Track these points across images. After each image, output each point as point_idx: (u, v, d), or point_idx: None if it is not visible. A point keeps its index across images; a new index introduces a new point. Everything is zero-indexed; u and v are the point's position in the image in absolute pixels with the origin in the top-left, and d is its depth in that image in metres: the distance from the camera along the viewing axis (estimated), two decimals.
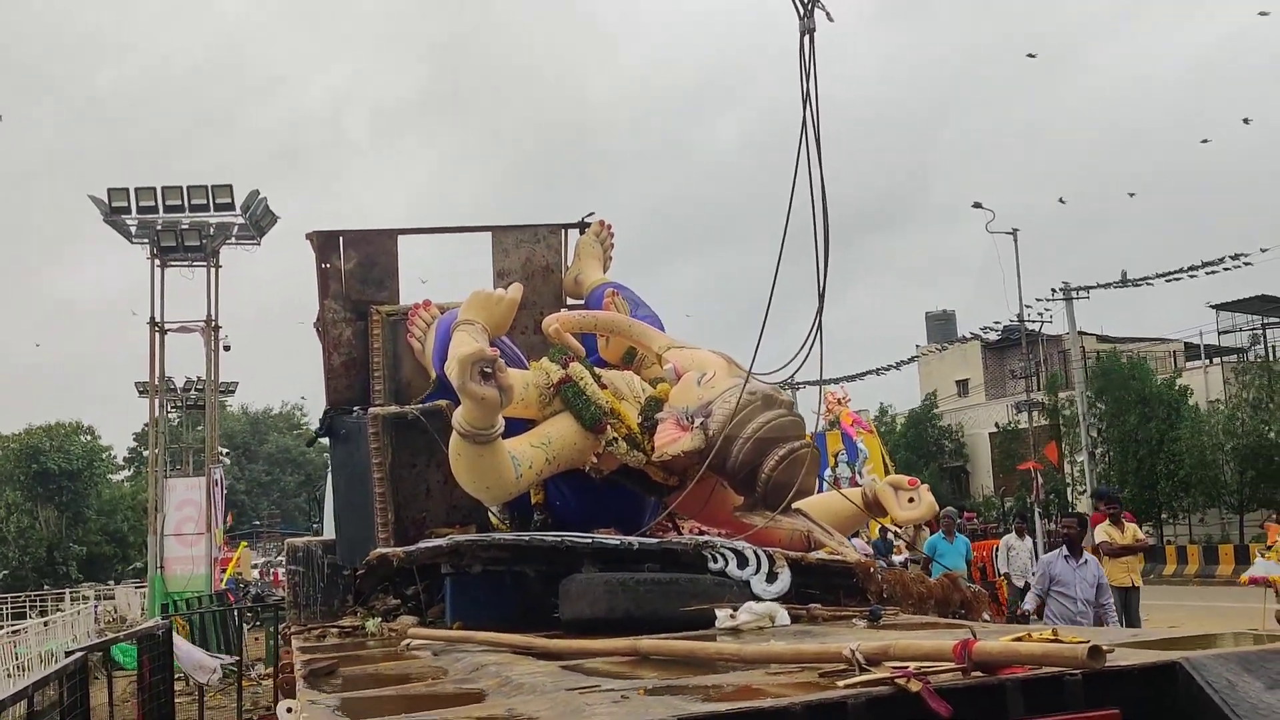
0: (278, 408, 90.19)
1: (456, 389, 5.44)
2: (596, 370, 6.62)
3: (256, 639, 16.32)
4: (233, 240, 20.44)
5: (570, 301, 8.54)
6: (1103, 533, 13.26)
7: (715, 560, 5.47)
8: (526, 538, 5.69)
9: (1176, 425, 34.94)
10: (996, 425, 46.58)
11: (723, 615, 4.73)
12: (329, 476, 14.76)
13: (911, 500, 6.81)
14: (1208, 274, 34.89)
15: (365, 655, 4.96)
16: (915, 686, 2.37)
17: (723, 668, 3.20)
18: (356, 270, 8.12)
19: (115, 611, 33.29)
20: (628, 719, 2.38)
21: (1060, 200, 44.42)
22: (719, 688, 2.82)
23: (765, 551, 5.53)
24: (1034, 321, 41.37)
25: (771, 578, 5.41)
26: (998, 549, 16.11)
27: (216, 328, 19.64)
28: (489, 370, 5.44)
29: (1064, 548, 10.00)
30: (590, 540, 5.73)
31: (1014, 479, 42.93)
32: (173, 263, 19.74)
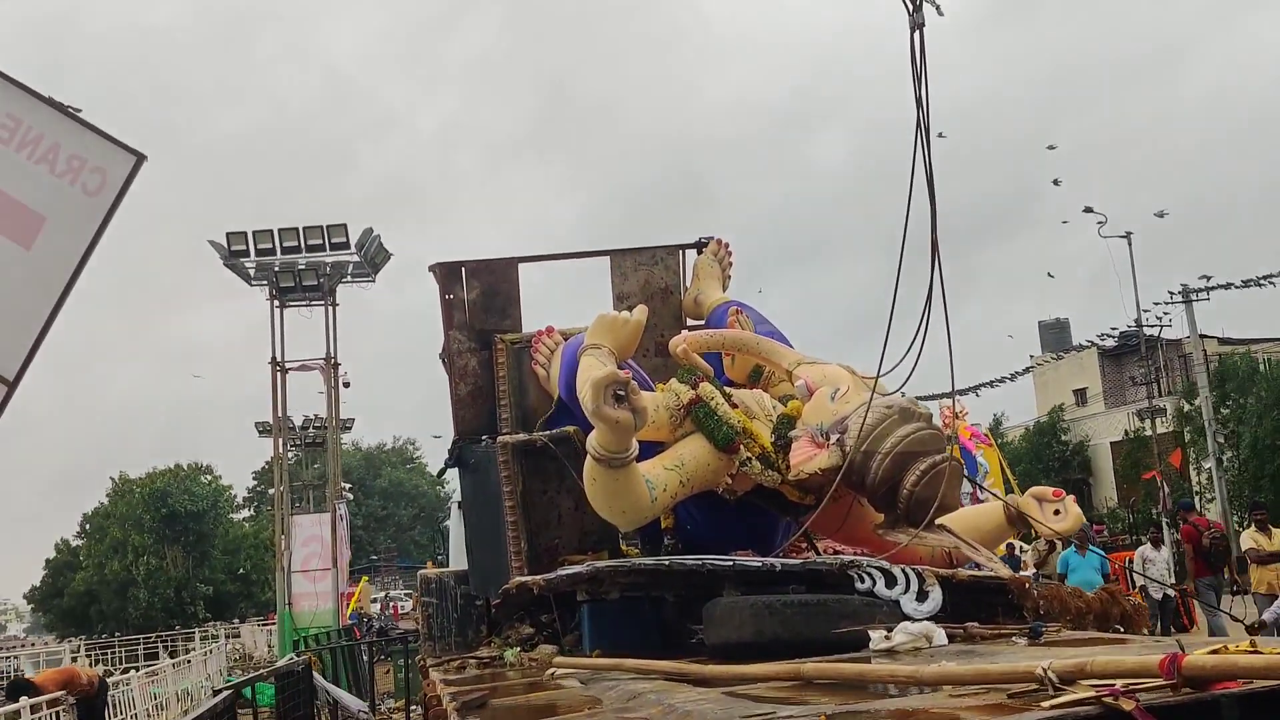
0: (390, 442, 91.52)
1: (590, 413, 5.38)
2: (726, 390, 6.53)
3: (387, 672, 16.48)
4: (348, 278, 20.82)
5: (690, 322, 8.46)
6: (1249, 539, 12.76)
7: (862, 580, 5.32)
8: (666, 562, 5.59)
9: None
10: (1125, 433, 45.28)
11: (877, 636, 4.58)
12: (453, 508, 14.90)
13: (1058, 512, 6.57)
14: None
15: (512, 686, 4.91)
16: (1128, 705, 2.23)
17: (898, 691, 3.06)
18: (479, 300, 8.15)
19: (242, 649, 34.00)
20: None
21: (1159, 214, 43.03)
22: (905, 712, 2.69)
23: (914, 570, 5.36)
24: (1152, 326, 40.26)
25: (922, 596, 5.24)
26: (1132, 560, 15.58)
27: (336, 365, 20.00)
28: (622, 393, 5.38)
29: None
30: (731, 563, 5.62)
31: (1138, 489, 41.70)
32: (291, 303, 20.16)
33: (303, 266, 20.55)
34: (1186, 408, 40.45)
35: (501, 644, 7.17)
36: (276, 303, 20.58)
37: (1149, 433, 40.07)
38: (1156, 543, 15.13)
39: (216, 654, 20.06)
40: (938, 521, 6.01)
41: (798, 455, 6.04)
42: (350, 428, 42.53)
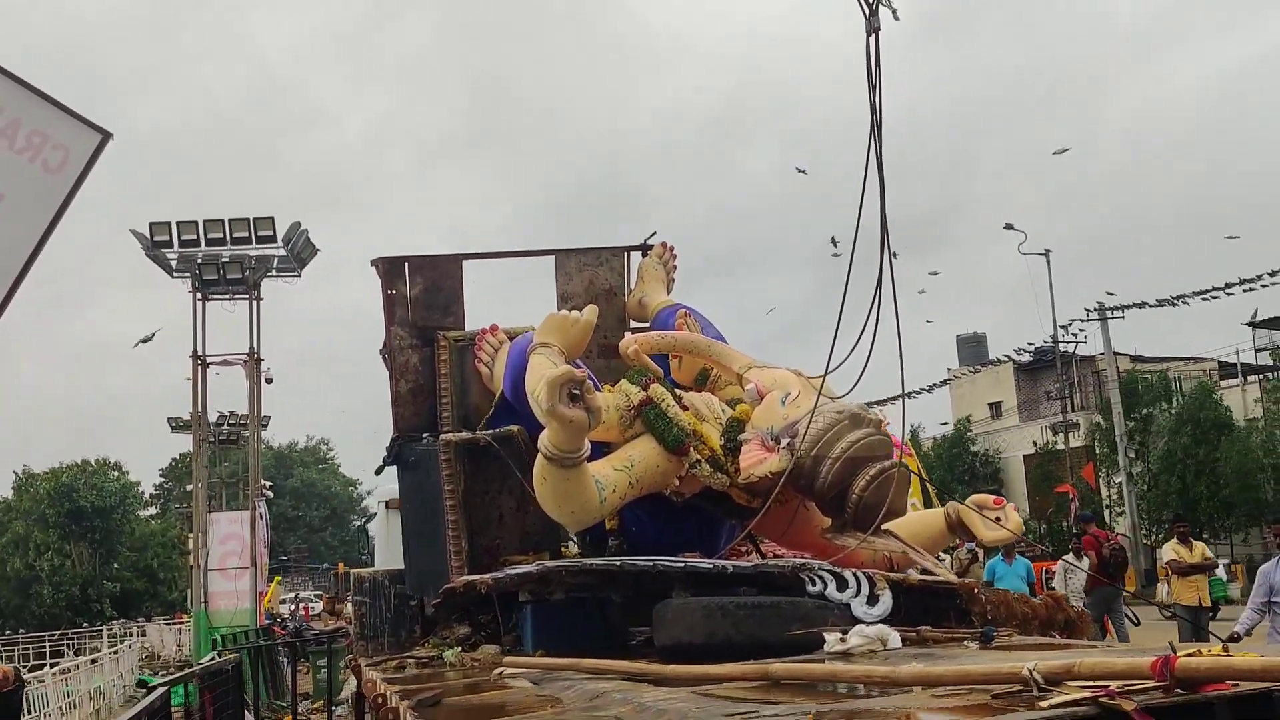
0: (303, 442, 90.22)
1: (545, 411, 5.33)
2: (677, 391, 6.52)
3: (306, 672, 16.20)
4: (273, 273, 20.47)
5: (634, 324, 8.45)
6: (1171, 551, 13.07)
7: (814, 583, 5.33)
8: (618, 562, 5.56)
9: (1220, 446, 34.56)
10: (1034, 444, 46.15)
11: (832, 639, 4.59)
12: (381, 507, 14.75)
13: (998, 520, 6.66)
14: (1245, 291, 34.59)
15: (461, 685, 4.84)
16: (1129, 705, 2.24)
17: (878, 692, 3.06)
18: (422, 296, 8.06)
19: (149, 648, 33.24)
20: None
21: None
22: (891, 713, 2.69)
23: (865, 573, 5.39)
24: (1068, 342, 41.13)
25: (873, 600, 5.27)
26: (1055, 570, 15.88)
27: (259, 360, 19.66)
28: (577, 392, 5.34)
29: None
30: (683, 564, 5.60)
31: (1050, 501, 42.51)
32: (214, 296, 19.78)
33: (226, 259, 20.23)
34: (1100, 423, 41.33)
35: (439, 644, 7.08)
36: (199, 296, 20.20)
37: (1062, 446, 40.89)
38: (1079, 552, 15.44)
39: (127, 653, 19.60)
40: (884, 527, 6.05)
41: (748, 458, 6.04)
42: (267, 425, 42.05)
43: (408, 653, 7.55)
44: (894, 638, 4.58)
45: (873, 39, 5.48)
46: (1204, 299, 35.36)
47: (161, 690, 6.89)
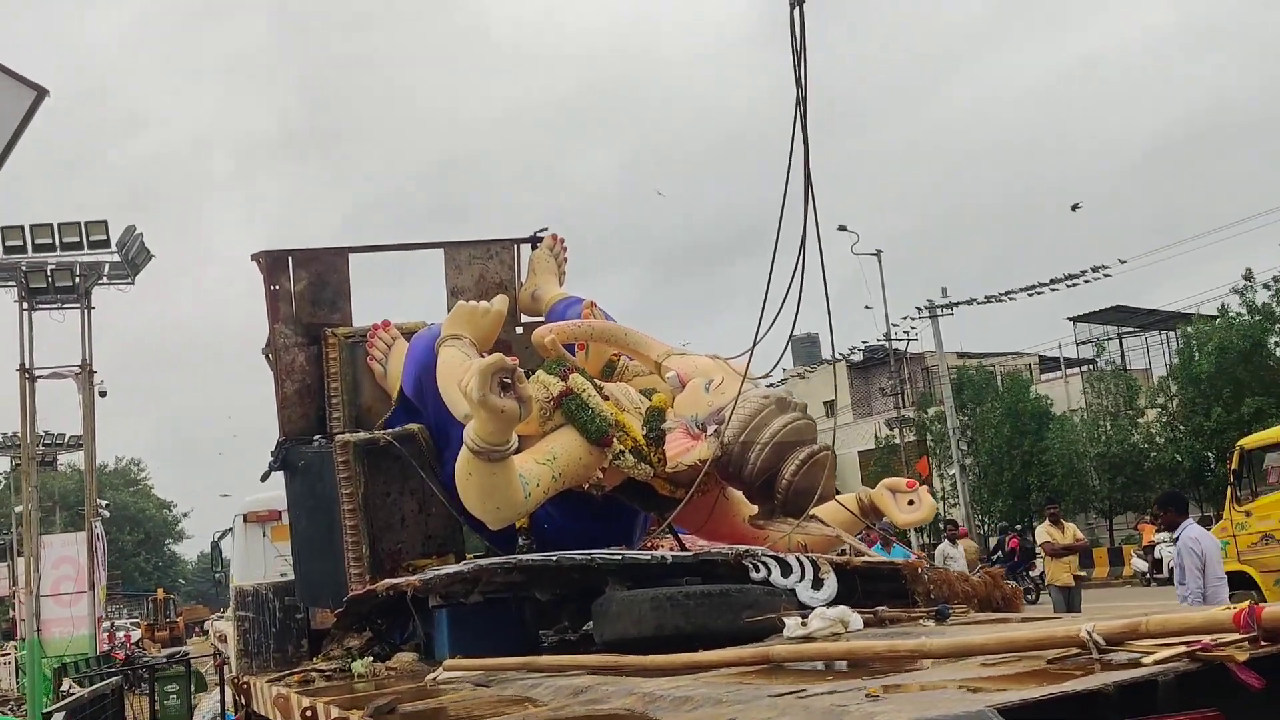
0: (113, 464, 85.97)
1: (475, 402, 5.09)
2: (596, 382, 6.35)
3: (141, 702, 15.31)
4: (104, 280, 19.37)
5: (525, 319, 8.24)
6: (1044, 534, 13.49)
7: (757, 570, 5.22)
8: (555, 558, 5.35)
9: (1045, 436, 36.01)
10: (875, 440, 47.39)
11: (792, 624, 4.48)
12: (237, 520, 14.10)
13: (912, 503, 6.66)
14: (1069, 287, 36.10)
15: (411, 692, 4.57)
16: (1242, 656, 2.18)
17: (917, 666, 2.95)
18: (307, 292, 7.69)
19: None
20: (922, 711, 2.12)
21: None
22: (954, 684, 2.57)
23: (809, 558, 5.31)
24: (900, 340, 42.30)
25: (818, 584, 5.19)
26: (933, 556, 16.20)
27: (92, 373, 18.59)
28: (509, 381, 5.12)
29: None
30: (621, 557, 5.43)
31: None
32: (41, 305, 18.63)
33: (54, 265, 18.98)
34: (927, 418, 42.65)
35: (342, 655, 6.75)
36: (25, 305, 18.90)
37: (897, 441, 42.05)
38: (954, 539, 15.78)
39: None
40: (812, 512, 6.00)
41: (674, 447, 5.91)
42: (79, 446, 39.98)
43: (298, 668, 7.19)
44: (855, 619, 4.50)
45: (797, 11, 5.39)
46: (1029, 295, 36.77)
47: (59, 716, 6.34)
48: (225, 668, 12.16)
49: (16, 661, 25.66)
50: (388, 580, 5.75)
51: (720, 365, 6.28)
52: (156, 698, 13.10)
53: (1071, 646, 2.63)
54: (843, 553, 6.25)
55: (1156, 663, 2.24)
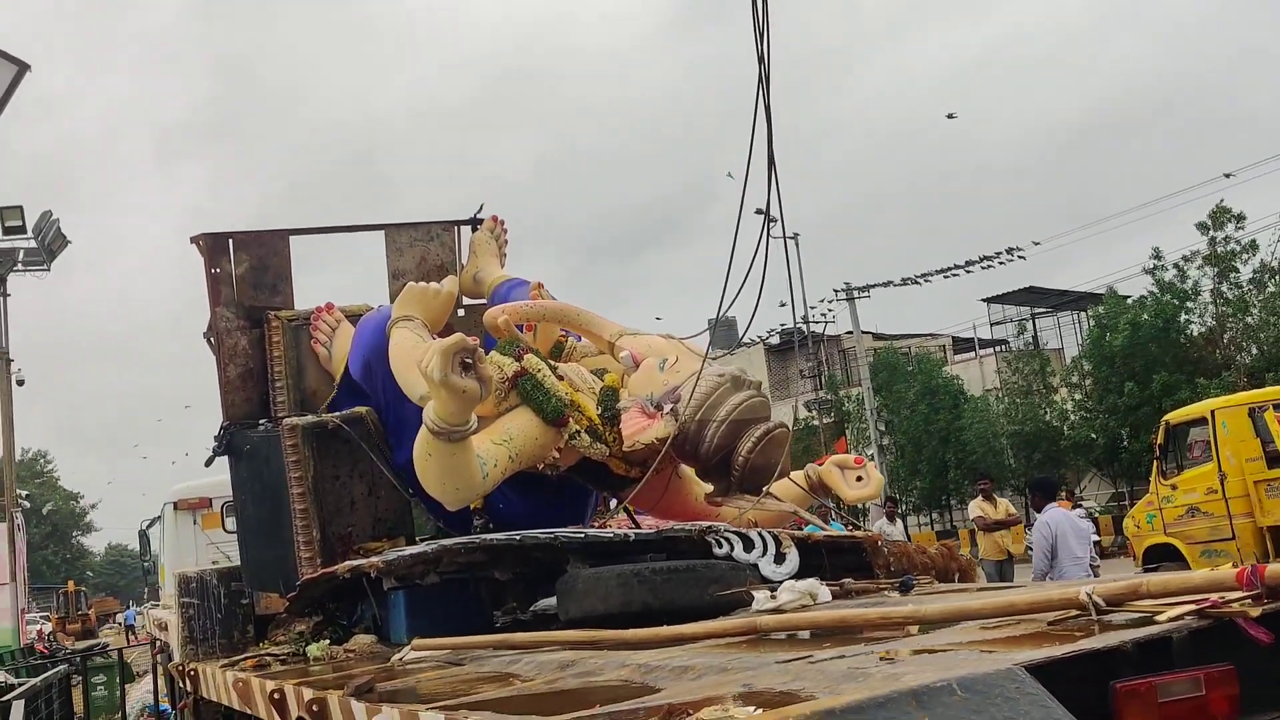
0: (18, 455, 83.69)
1: (436, 382, 5.05)
2: (550, 362, 6.34)
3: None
4: (20, 267, 18.82)
5: (467, 301, 8.20)
6: (977, 508, 13.74)
7: (720, 545, 5.27)
8: (519, 537, 5.34)
9: (960, 415, 36.60)
10: (797, 421, 47.78)
11: (761, 597, 4.54)
12: (167, 508, 13.85)
13: (860, 479, 6.75)
14: (983, 268, 36.72)
15: (381, 673, 4.53)
16: (1255, 611, 2.26)
17: (916, 631, 3.01)
18: (249, 275, 7.57)
19: None
20: (946, 672, 2.17)
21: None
22: (958, 646, 2.63)
23: (771, 533, 5.37)
24: (818, 322, 42.70)
25: (780, 559, 5.25)
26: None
27: (9, 360, 18.06)
28: (470, 361, 5.09)
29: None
30: (584, 535, 5.45)
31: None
32: None
33: None
34: (843, 399, 43.14)
35: (294, 639, 6.68)
36: None
37: (816, 422, 42.45)
38: (892, 516, 15.93)
39: None
40: (766, 489, 6.06)
41: (631, 426, 5.93)
42: None
43: (247, 653, 7.10)
44: (823, 591, 4.57)
45: None
46: (945, 276, 37.33)
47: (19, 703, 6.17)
48: (163, 656, 11.94)
49: None
50: (349, 562, 5.71)
51: (674, 344, 6.31)
52: (87, 689, 12.87)
53: (1071, 608, 2.70)
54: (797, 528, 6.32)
55: (1169, 620, 2.31)
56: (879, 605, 3.79)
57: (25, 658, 14.50)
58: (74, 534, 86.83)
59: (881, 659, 2.47)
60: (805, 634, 3.43)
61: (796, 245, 42.02)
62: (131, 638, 33.83)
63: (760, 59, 5.26)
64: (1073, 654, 2.21)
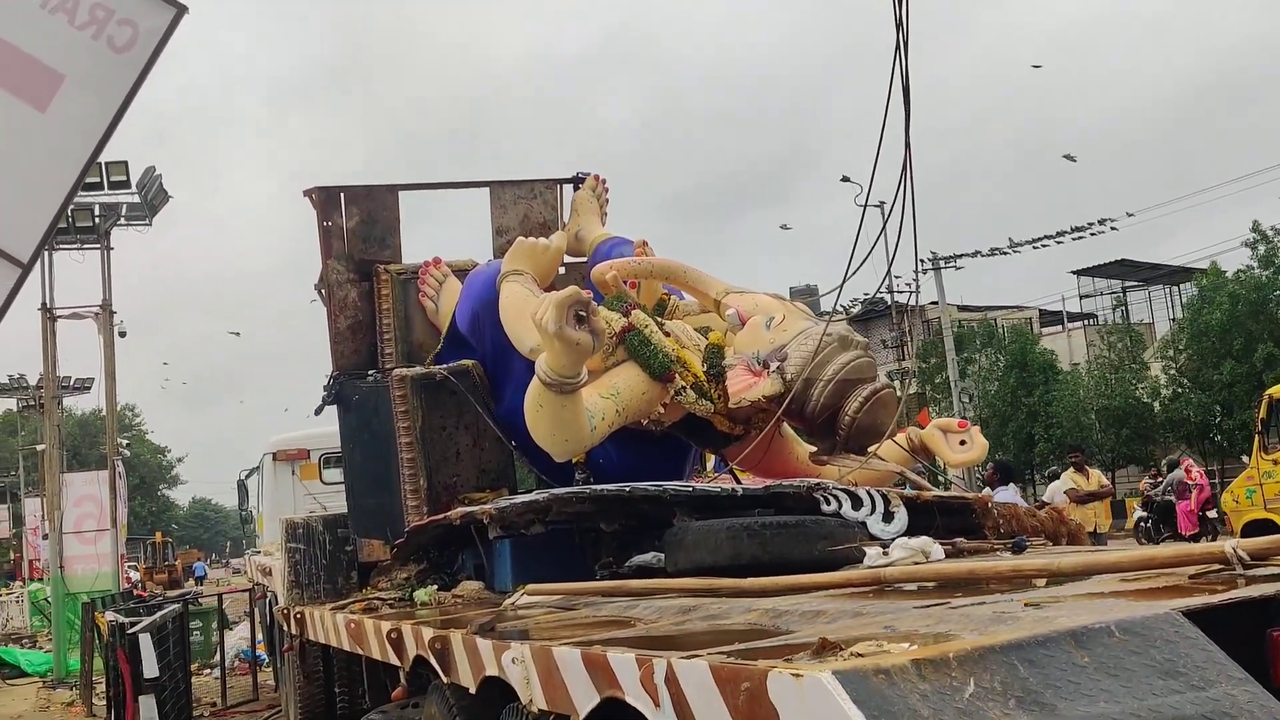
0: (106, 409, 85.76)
1: (551, 334, 5.12)
2: (657, 319, 6.39)
3: None
4: (123, 221, 19.31)
5: (568, 259, 8.26)
6: (1069, 480, 13.59)
7: (828, 503, 5.29)
8: (627, 489, 5.41)
9: (1051, 389, 36.06)
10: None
11: (873, 553, 4.55)
12: (265, 459, 14.16)
13: (964, 443, 6.72)
14: (1074, 239, 36.03)
15: (494, 617, 4.63)
16: None
17: (1053, 582, 3.01)
18: (359, 228, 7.72)
19: None
20: (1101, 616, 2.18)
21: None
22: (1099, 595, 2.64)
23: (880, 491, 5.38)
24: (902, 292, 42.22)
25: (888, 517, 5.26)
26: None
27: (112, 312, 18.58)
28: (584, 314, 5.15)
29: None
30: (691, 489, 5.50)
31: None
32: (61, 245, 18.59)
33: (74, 205, 18.81)
34: (927, 367, 42.67)
35: (400, 585, 6.82)
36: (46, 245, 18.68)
37: (899, 394, 42.07)
38: (992, 482, 15.54)
39: None
40: (872, 450, 6.06)
41: (737, 383, 5.95)
42: (89, 388, 39.88)
43: (352, 598, 7.28)
44: (936, 550, 4.57)
45: None
46: (1034, 247, 36.69)
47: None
48: (264, 601, 12.26)
49: (30, 600, 25.82)
50: (461, 509, 5.81)
51: (781, 303, 6.31)
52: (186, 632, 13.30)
53: (1213, 563, 2.69)
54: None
55: None
56: (1017, 560, 3.78)
57: (125, 601, 14.95)
58: (160, 487, 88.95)
59: (1026, 605, 2.49)
60: (931, 585, 3.43)
61: (883, 214, 41.63)
62: (199, 589, 34.76)
63: (898, 24, 5.21)
64: (1229, 601, 2.21)
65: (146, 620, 7.07)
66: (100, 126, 3.06)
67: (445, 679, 4.25)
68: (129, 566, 51.33)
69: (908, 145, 5.08)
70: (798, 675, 1.97)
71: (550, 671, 3.12)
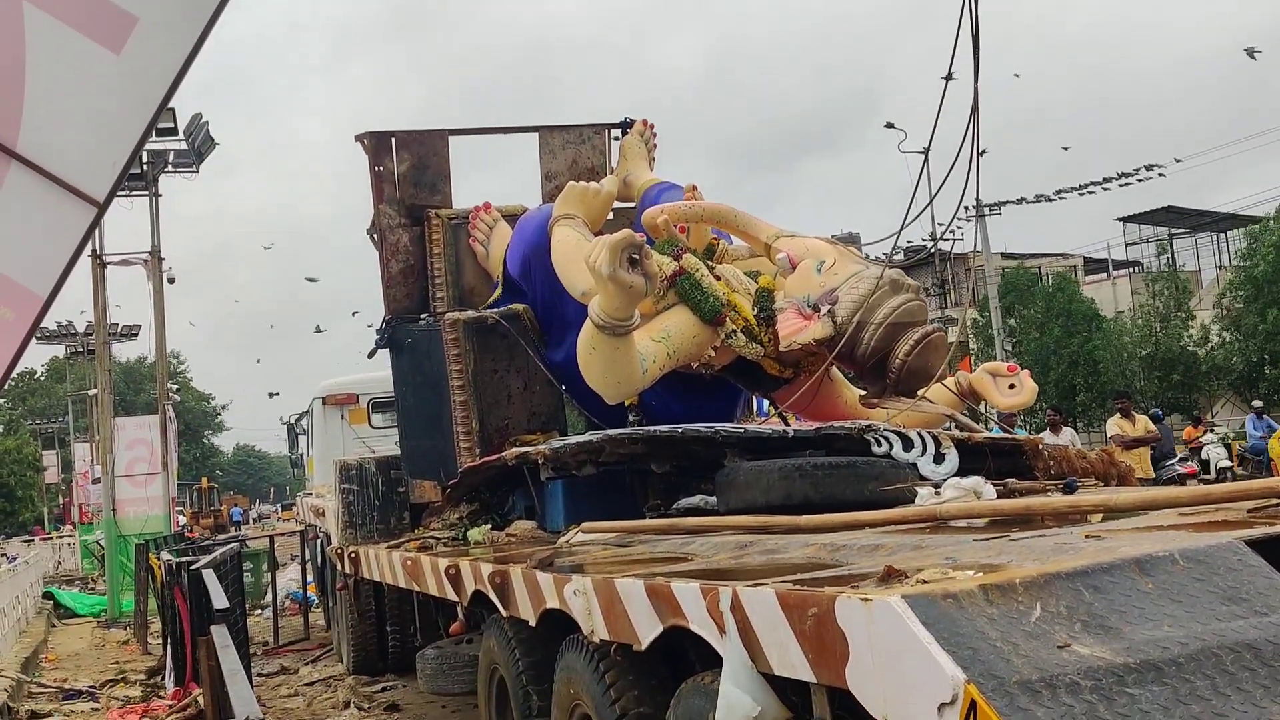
0: (152, 356, 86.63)
1: (604, 277, 5.17)
2: (708, 263, 6.42)
3: None
4: (170, 168, 19.49)
5: (616, 204, 8.29)
6: (1115, 426, 13.56)
7: (879, 444, 5.33)
8: (680, 429, 5.47)
9: (1094, 337, 35.78)
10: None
11: (925, 493, 4.59)
12: (316, 404, 14.35)
13: (1013, 386, 6.71)
14: (1121, 186, 35.60)
15: (552, 553, 4.72)
16: None
17: (1111, 517, 3.05)
18: (410, 173, 7.78)
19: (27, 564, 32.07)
20: (1164, 545, 2.22)
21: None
22: (1157, 528, 2.67)
23: (930, 433, 5.41)
24: (945, 240, 41.92)
25: (939, 459, 5.29)
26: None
27: (160, 259, 18.79)
28: (637, 257, 5.19)
29: None
30: (743, 430, 5.55)
31: None
32: None
33: None
34: (977, 318, 42.40)
35: (454, 524, 6.93)
36: None
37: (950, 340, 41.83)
38: (1055, 425, 15.34)
39: (24, 569, 18.88)
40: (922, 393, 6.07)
41: (787, 327, 5.98)
42: (136, 335, 40.36)
43: (405, 537, 7.41)
44: (988, 490, 4.60)
45: None
46: (1080, 194, 36.31)
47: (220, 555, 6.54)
48: (316, 542, 12.47)
49: (82, 544, 26.38)
50: (515, 449, 5.89)
51: (832, 247, 6.32)
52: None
53: (1272, 497, 2.71)
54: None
55: None
56: (1071, 497, 3.81)
57: (178, 543, 15.25)
58: (205, 433, 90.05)
59: (1087, 536, 2.53)
60: (986, 522, 3.48)
61: (926, 160, 41.23)
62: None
63: None
64: None
65: (207, 558, 7.24)
66: (173, 69, 3.11)
67: (505, 613, 4.35)
68: (176, 510, 52.28)
69: (975, 92, 5.04)
70: (866, 600, 2.03)
71: (613, 602, 3.20)
